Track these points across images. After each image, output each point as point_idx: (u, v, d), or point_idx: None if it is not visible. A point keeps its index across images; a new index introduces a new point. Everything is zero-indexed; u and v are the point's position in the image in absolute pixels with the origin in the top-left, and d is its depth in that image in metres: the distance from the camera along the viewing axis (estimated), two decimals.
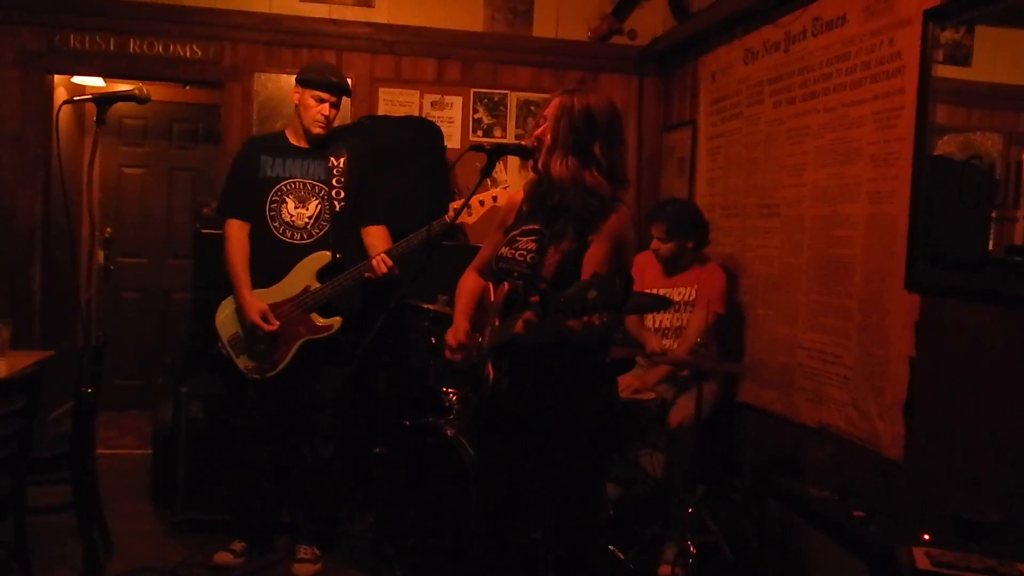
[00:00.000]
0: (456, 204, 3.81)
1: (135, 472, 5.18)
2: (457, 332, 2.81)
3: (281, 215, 3.93)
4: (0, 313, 4.47)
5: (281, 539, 4.25)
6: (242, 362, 3.94)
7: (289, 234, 3.93)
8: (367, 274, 3.83)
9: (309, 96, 3.91)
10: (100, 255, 6.69)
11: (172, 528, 4.37)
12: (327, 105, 3.92)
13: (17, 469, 3.33)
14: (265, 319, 3.84)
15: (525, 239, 2.70)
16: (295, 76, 4.02)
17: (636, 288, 4.27)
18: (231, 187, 4.09)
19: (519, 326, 2.46)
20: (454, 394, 3.96)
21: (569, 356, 2.60)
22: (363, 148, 4.13)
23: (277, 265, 3.92)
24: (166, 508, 4.51)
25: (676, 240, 4.30)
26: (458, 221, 3.74)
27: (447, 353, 2.82)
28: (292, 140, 4.02)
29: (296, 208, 3.93)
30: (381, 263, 3.80)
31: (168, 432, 4.55)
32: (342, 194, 3.96)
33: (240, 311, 3.91)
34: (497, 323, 2.74)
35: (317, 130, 3.94)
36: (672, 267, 4.39)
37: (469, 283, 2.98)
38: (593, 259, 2.53)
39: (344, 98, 4.06)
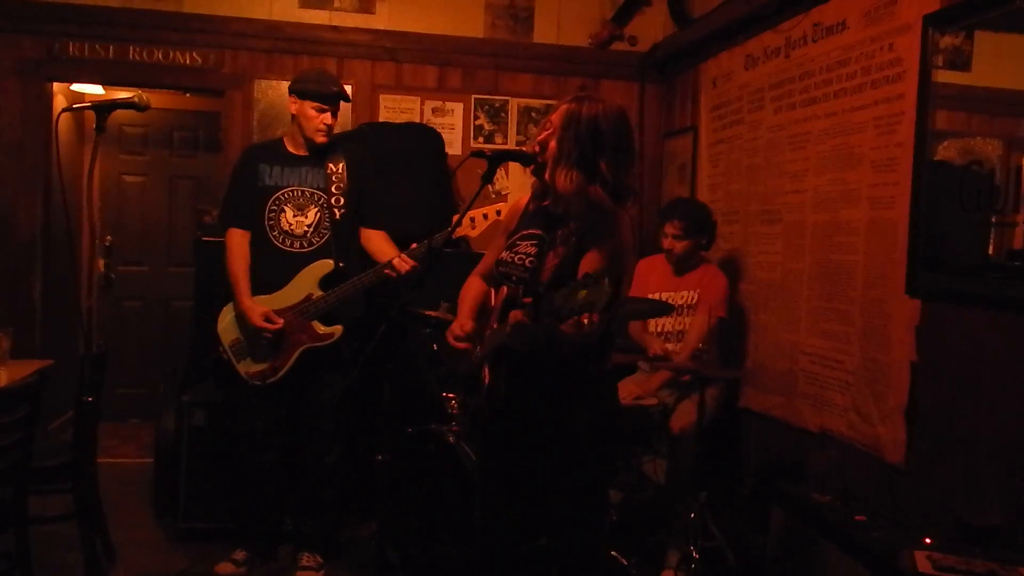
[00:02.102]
0: (457, 216, 3.81)
1: (137, 481, 5.18)
2: (462, 323, 2.77)
3: (279, 224, 3.94)
4: (0, 322, 4.46)
5: (284, 547, 4.25)
6: (243, 368, 3.95)
7: (288, 242, 3.93)
8: (386, 271, 3.83)
9: (309, 107, 3.91)
10: (101, 263, 6.70)
11: (174, 537, 4.37)
12: (328, 114, 3.93)
13: (19, 479, 3.33)
14: (268, 319, 3.84)
15: (525, 243, 2.70)
16: (289, 85, 4.01)
17: (640, 293, 4.33)
18: (230, 196, 4.10)
19: (508, 328, 2.45)
20: (455, 400, 3.96)
21: (568, 361, 2.59)
22: (362, 153, 4.13)
23: (277, 273, 3.92)
24: (168, 517, 4.51)
25: (693, 238, 4.31)
26: (462, 235, 3.74)
27: (450, 339, 2.78)
28: (290, 148, 4.02)
29: (295, 216, 3.94)
30: (403, 262, 3.81)
31: (170, 441, 4.55)
32: (342, 201, 3.97)
33: (242, 317, 3.92)
34: (495, 327, 2.74)
35: (321, 139, 3.95)
36: (683, 266, 4.39)
37: (473, 288, 2.97)
38: (590, 265, 2.51)
39: (345, 104, 4.06)
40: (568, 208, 2.59)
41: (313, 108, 3.91)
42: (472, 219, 3.66)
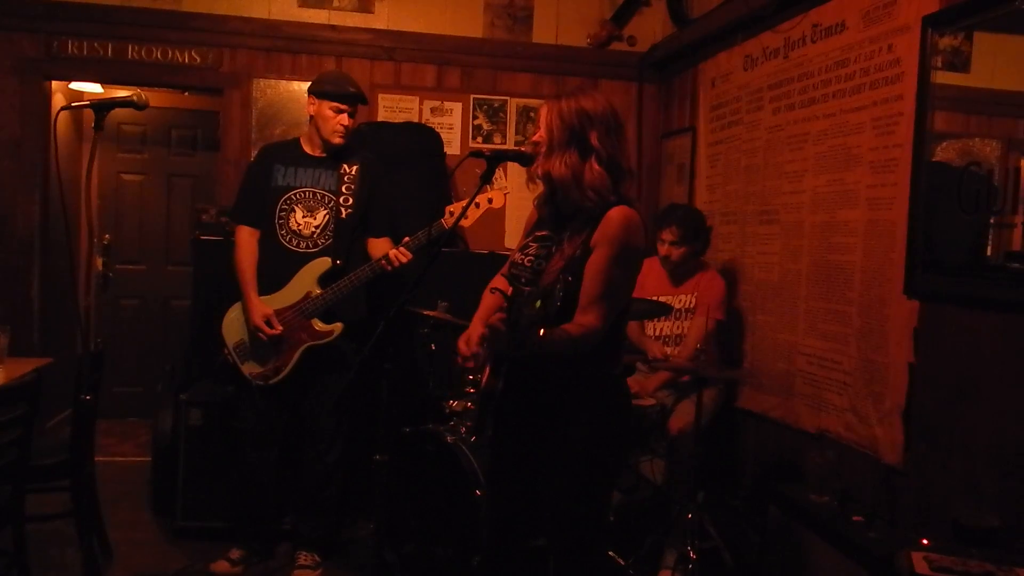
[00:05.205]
0: (452, 208, 3.82)
1: (134, 479, 5.17)
2: (470, 338, 2.71)
3: (289, 223, 3.96)
4: None
5: (282, 546, 4.26)
6: (247, 369, 3.95)
7: (295, 243, 3.94)
8: (382, 262, 3.82)
9: (327, 108, 3.93)
10: (99, 262, 6.69)
11: (171, 536, 4.37)
12: (346, 115, 3.95)
13: (16, 477, 3.32)
14: (269, 323, 3.85)
15: (535, 245, 2.70)
16: (309, 86, 4.04)
17: (636, 295, 4.32)
18: (243, 194, 4.12)
19: (486, 331, 2.44)
20: (455, 402, 3.97)
21: (570, 363, 2.57)
22: (376, 163, 4.14)
23: (281, 272, 3.94)
24: (165, 516, 4.51)
25: (689, 244, 4.31)
26: (453, 223, 3.75)
27: (458, 360, 2.78)
28: (307, 149, 4.04)
29: (304, 217, 3.95)
30: (399, 256, 3.81)
31: (167, 439, 4.55)
32: (350, 201, 3.98)
33: (245, 318, 3.94)
34: None
35: (337, 140, 3.97)
36: (680, 274, 4.40)
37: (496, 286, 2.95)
38: (594, 266, 2.51)
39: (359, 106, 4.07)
40: (568, 194, 2.58)
41: (331, 109, 3.93)
42: (464, 213, 3.67)
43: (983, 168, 3.05)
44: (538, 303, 2.14)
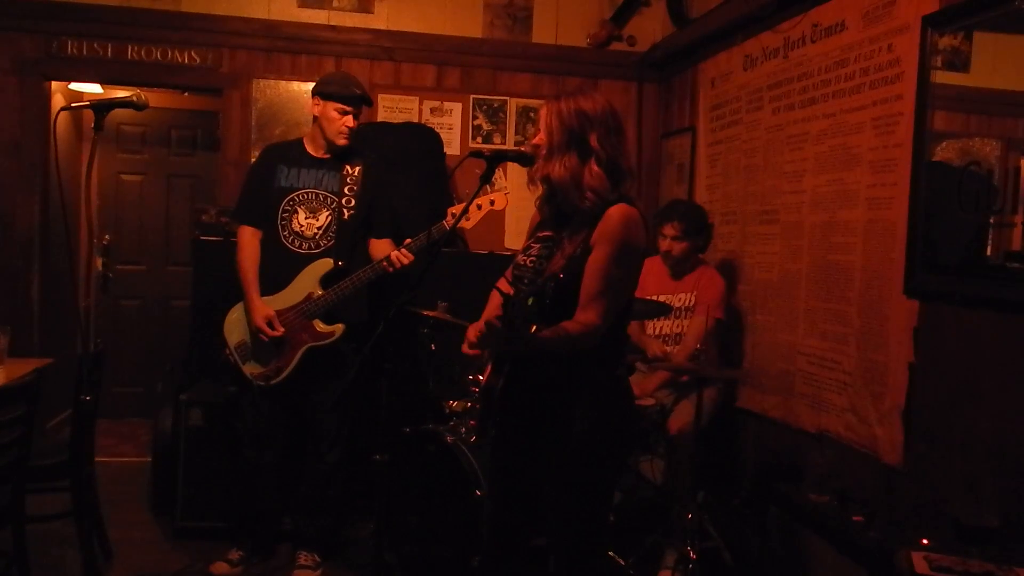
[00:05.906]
0: (454, 209, 3.82)
1: (134, 480, 5.18)
2: (479, 325, 2.71)
3: (291, 224, 3.96)
4: None
5: (282, 546, 4.26)
6: (248, 369, 3.95)
7: (297, 243, 3.95)
8: (384, 264, 3.83)
9: (332, 109, 3.93)
10: (99, 262, 6.69)
11: (171, 536, 4.37)
12: (351, 117, 3.95)
13: (16, 477, 3.33)
14: (271, 325, 3.86)
15: (538, 246, 2.70)
16: (313, 87, 4.04)
17: (638, 295, 4.32)
18: (246, 194, 4.12)
19: (483, 329, 2.43)
20: (455, 402, 3.96)
21: (571, 363, 2.57)
22: (377, 160, 4.14)
23: (283, 274, 3.94)
24: (165, 516, 4.51)
25: (691, 240, 4.31)
26: (453, 224, 3.76)
27: (465, 346, 2.77)
28: (310, 150, 4.04)
29: (306, 218, 3.95)
30: (401, 257, 3.81)
31: (167, 440, 4.55)
32: (352, 202, 3.98)
33: (247, 319, 3.94)
34: None
35: (342, 142, 3.97)
36: (680, 268, 4.40)
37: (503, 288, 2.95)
38: (594, 263, 2.51)
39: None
40: (568, 196, 2.58)
41: (336, 110, 3.93)
42: (466, 213, 3.67)
43: (983, 168, 3.05)
44: (531, 300, 2.15)
